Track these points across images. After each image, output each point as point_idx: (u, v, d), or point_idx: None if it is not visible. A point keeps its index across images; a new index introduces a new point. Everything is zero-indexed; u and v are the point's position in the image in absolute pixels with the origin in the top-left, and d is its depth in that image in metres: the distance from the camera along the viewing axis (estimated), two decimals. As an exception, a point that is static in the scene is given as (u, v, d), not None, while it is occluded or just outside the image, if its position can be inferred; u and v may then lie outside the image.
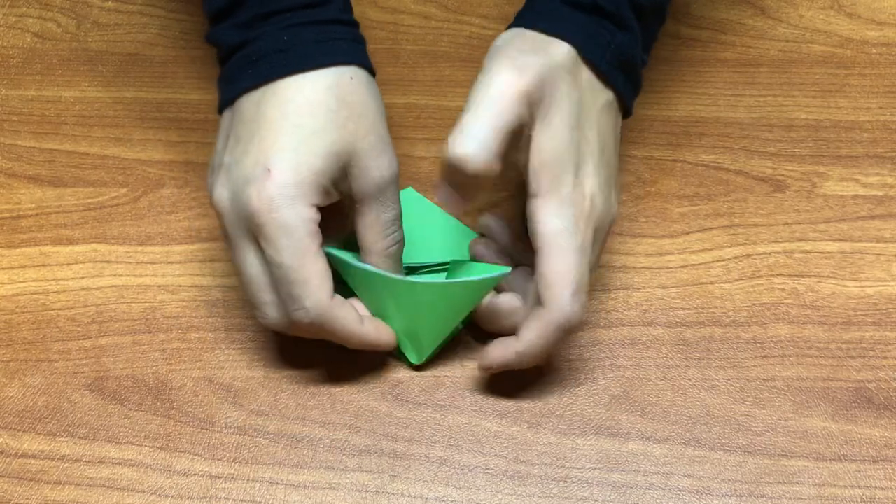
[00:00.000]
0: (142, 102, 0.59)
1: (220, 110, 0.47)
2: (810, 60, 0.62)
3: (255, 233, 0.43)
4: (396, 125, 0.58)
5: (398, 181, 0.46)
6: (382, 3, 0.65)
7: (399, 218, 0.47)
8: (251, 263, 0.44)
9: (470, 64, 0.61)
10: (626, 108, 0.48)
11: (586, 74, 0.45)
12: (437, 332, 0.47)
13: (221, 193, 0.44)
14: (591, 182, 0.44)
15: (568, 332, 0.43)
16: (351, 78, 0.45)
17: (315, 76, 0.44)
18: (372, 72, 0.47)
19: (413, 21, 0.64)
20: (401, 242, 0.47)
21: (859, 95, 0.60)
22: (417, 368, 0.49)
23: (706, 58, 0.62)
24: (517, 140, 0.44)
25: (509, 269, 0.47)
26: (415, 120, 0.58)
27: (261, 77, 0.44)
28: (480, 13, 0.64)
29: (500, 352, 0.45)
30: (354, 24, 0.48)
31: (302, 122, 0.43)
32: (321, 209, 0.44)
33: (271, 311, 0.44)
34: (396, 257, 0.47)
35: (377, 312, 0.48)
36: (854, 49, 0.63)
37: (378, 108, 0.46)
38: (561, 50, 0.44)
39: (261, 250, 0.43)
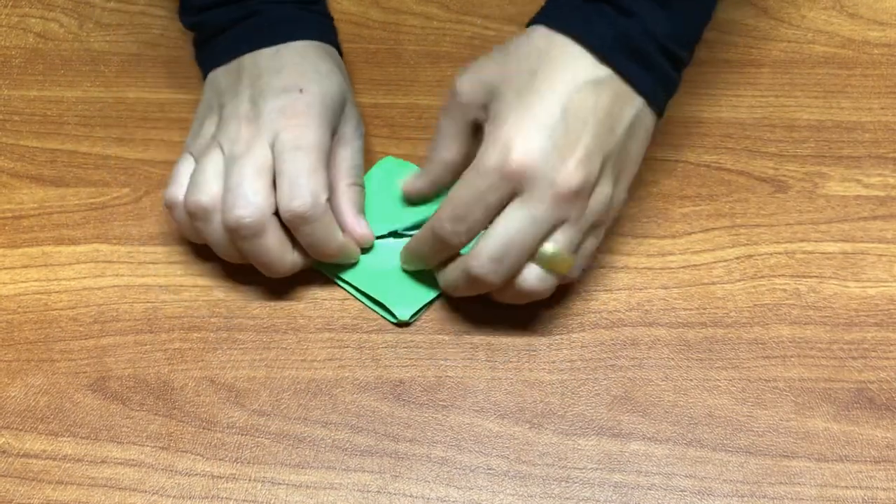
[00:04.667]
0: (144, 103, 0.59)
1: (215, 65, 0.53)
2: (812, 61, 0.62)
3: (277, 130, 0.48)
4: (398, 125, 0.58)
5: None
6: (384, 4, 0.65)
7: None
8: (258, 150, 0.48)
9: (472, 64, 0.61)
10: (644, 95, 0.47)
11: (577, 53, 0.46)
12: (429, 287, 0.50)
13: (248, 105, 0.49)
14: (526, 142, 0.44)
15: (439, 244, 0.47)
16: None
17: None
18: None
19: (415, 21, 0.64)
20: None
21: (861, 96, 0.60)
22: (403, 325, 0.50)
23: (708, 58, 0.62)
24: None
25: None
26: (417, 120, 0.58)
27: (277, 39, 0.52)
28: (482, 13, 0.64)
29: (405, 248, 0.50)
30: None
31: (318, 68, 0.51)
32: None
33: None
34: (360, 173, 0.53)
35: (371, 270, 0.52)
36: (856, 50, 0.62)
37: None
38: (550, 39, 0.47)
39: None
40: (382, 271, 0.51)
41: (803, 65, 0.62)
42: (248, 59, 0.52)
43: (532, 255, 0.45)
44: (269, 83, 0.50)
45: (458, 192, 0.46)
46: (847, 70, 0.61)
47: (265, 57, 0.51)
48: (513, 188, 0.44)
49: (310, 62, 0.51)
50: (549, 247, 0.45)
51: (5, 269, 0.52)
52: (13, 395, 0.48)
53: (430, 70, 0.61)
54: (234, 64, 0.52)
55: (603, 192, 0.46)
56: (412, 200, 0.53)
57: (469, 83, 0.48)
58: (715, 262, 0.53)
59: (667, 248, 0.53)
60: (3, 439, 0.47)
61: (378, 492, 0.45)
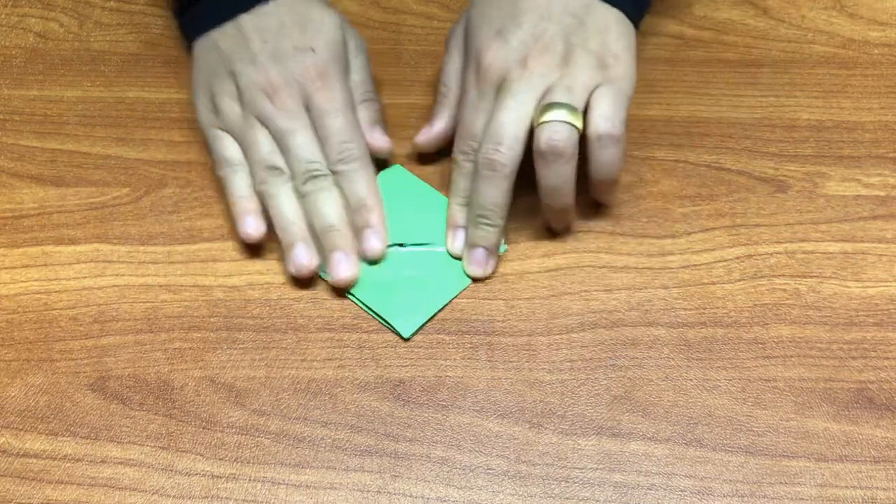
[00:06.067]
0: (144, 102, 0.59)
1: (207, 28, 0.54)
2: (812, 61, 0.62)
3: (308, 93, 0.52)
4: (399, 125, 0.58)
5: None
6: (384, 4, 0.65)
7: None
8: (300, 113, 0.52)
9: (472, 64, 0.61)
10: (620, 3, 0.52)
11: None
12: (430, 302, 0.51)
13: (270, 73, 0.52)
14: (490, 48, 0.51)
15: (463, 169, 0.52)
16: None
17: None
18: None
19: (415, 21, 0.64)
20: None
21: (861, 96, 0.60)
22: (406, 340, 0.50)
23: (708, 58, 0.62)
24: None
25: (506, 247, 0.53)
26: (417, 120, 0.58)
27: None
28: (482, 13, 0.64)
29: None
30: None
31: (312, 18, 0.54)
32: None
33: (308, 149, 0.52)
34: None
35: (375, 282, 0.52)
36: (856, 49, 0.62)
37: None
38: None
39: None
40: (385, 282, 0.51)
41: (803, 65, 0.62)
42: (247, 20, 0.53)
43: (530, 124, 0.49)
44: (278, 45, 0.53)
45: (461, 115, 0.52)
46: (847, 70, 0.61)
47: (265, 16, 0.53)
48: (495, 89, 0.50)
49: (303, 12, 0.54)
50: (544, 100, 0.49)
51: (5, 269, 0.52)
52: (13, 394, 0.48)
53: (430, 70, 0.61)
54: (229, 26, 0.54)
55: (584, 57, 0.50)
56: (427, 149, 0.56)
57: (455, 25, 0.55)
58: (715, 262, 0.53)
59: (667, 247, 0.53)
60: (3, 439, 0.47)
61: (378, 492, 0.45)
